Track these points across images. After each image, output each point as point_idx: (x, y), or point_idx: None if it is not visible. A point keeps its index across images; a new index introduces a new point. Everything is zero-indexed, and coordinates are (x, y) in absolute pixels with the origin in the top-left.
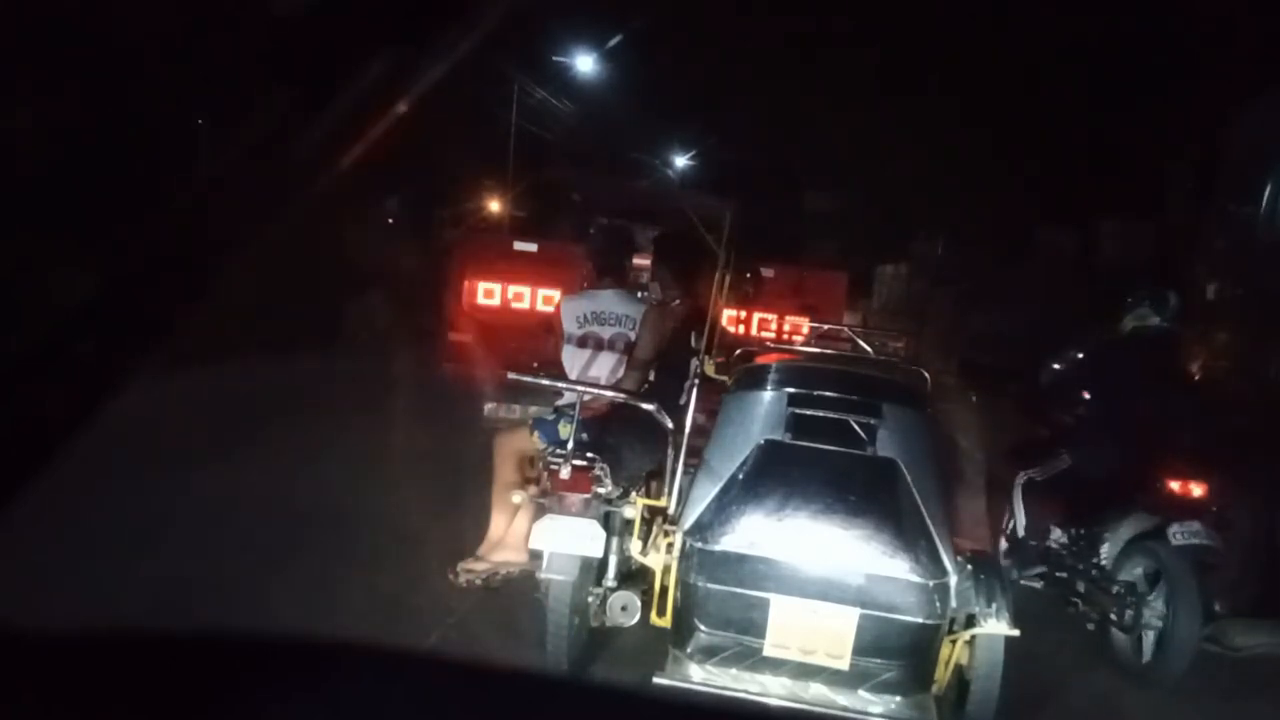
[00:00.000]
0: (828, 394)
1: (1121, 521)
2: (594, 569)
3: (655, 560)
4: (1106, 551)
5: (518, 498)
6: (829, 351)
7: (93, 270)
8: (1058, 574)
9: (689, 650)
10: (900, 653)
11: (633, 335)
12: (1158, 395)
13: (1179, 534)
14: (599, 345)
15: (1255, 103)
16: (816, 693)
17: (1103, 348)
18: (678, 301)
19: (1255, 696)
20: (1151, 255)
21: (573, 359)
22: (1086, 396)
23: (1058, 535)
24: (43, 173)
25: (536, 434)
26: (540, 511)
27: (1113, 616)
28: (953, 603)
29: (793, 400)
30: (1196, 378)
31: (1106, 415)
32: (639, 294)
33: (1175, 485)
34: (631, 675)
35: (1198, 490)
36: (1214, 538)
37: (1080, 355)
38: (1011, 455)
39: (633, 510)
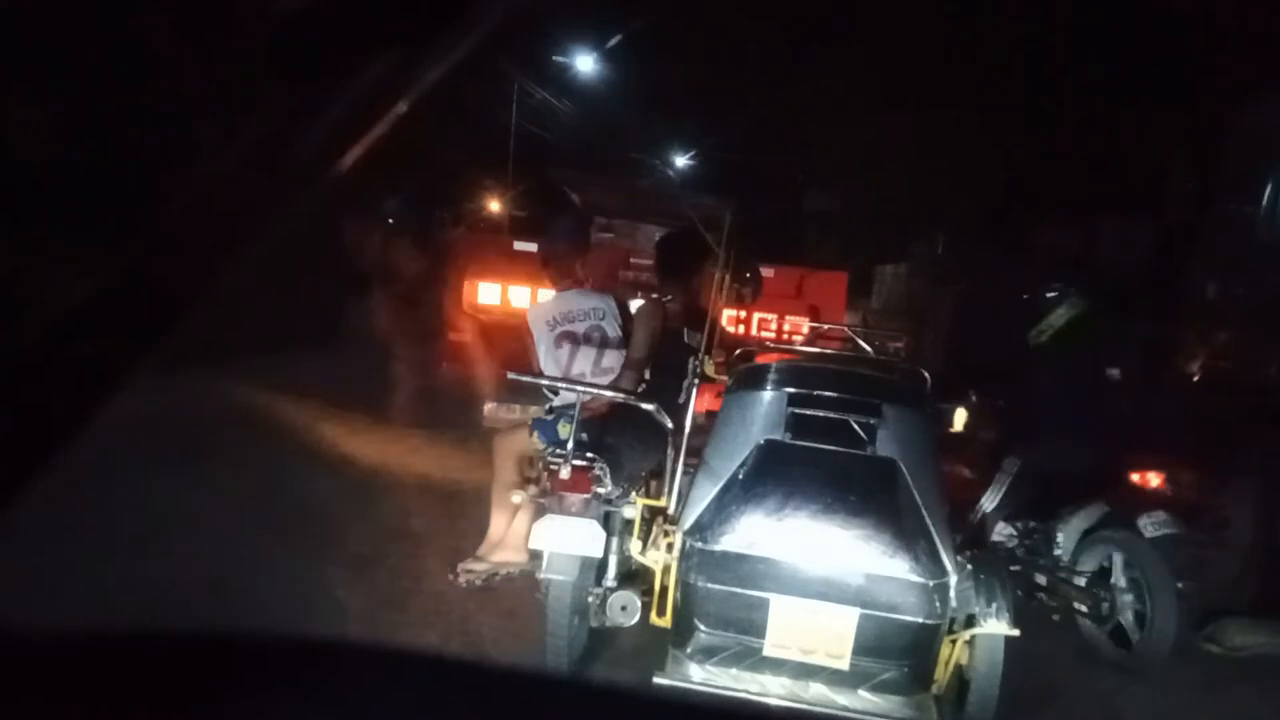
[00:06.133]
0: (828, 394)
1: (1075, 514)
2: (594, 569)
3: (655, 560)
4: (1063, 543)
5: (518, 498)
6: (829, 351)
7: (93, 270)
8: (1011, 568)
9: (689, 650)
10: (900, 653)
11: (605, 324)
12: (1104, 386)
13: (1150, 526)
14: (575, 341)
15: (1255, 102)
16: (816, 693)
17: (1046, 344)
18: (670, 298)
19: (1254, 696)
20: (1151, 255)
21: (552, 360)
22: (1034, 394)
23: (1004, 529)
24: (42, 172)
25: (536, 434)
26: (540, 511)
27: (1082, 608)
28: (953, 603)
29: (793, 400)
30: (1152, 362)
31: (1055, 410)
32: (636, 293)
33: (1135, 477)
34: (631, 675)
35: (1155, 480)
36: (1181, 525)
37: (1027, 351)
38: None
39: (633, 510)
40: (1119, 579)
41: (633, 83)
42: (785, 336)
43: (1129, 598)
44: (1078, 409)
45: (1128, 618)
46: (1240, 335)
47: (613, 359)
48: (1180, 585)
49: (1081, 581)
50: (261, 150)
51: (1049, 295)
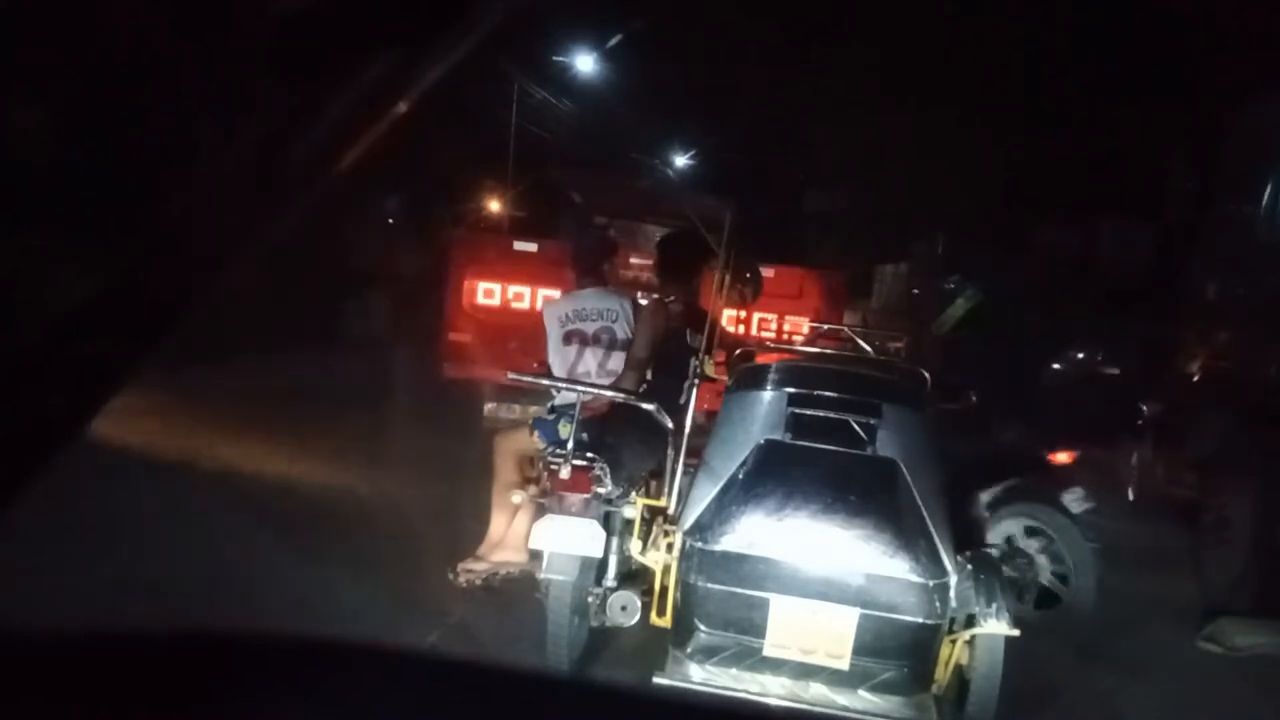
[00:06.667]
0: (828, 394)
1: (981, 490)
2: (594, 569)
3: (655, 560)
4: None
5: (518, 498)
6: (829, 351)
7: (93, 270)
8: None
9: (689, 650)
10: (900, 653)
11: (617, 327)
12: (1006, 371)
13: (1074, 501)
14: (583, 341)
15: (1255, 102)
16: (816, 693)
17: (948, 334)
18: (672, 299)
19: (1254, 696)
20: (1151, 255)
21: (559, 357)
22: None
23: None
24: (43, 172)
25: (536, 434)
26: (540, 511)
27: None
28: (953, 603)
29: (793, 400)
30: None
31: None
32: (637, 293)
33: (1056, 457)
34: (631, 675)
35: (1065, 457)
36: (1094, 499)
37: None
38: None
39: (633, 510)
40: (1033, 547)
41: (633, 82)
42: (785, 336)
43: (1046, 563)
44: (979, 394)
45: (1046, 581)
46: (1240, 335)
47: (619, 361)
48: (1095, 547)
49: (994, 553)
50: (261, 150)
51: (946, 287)
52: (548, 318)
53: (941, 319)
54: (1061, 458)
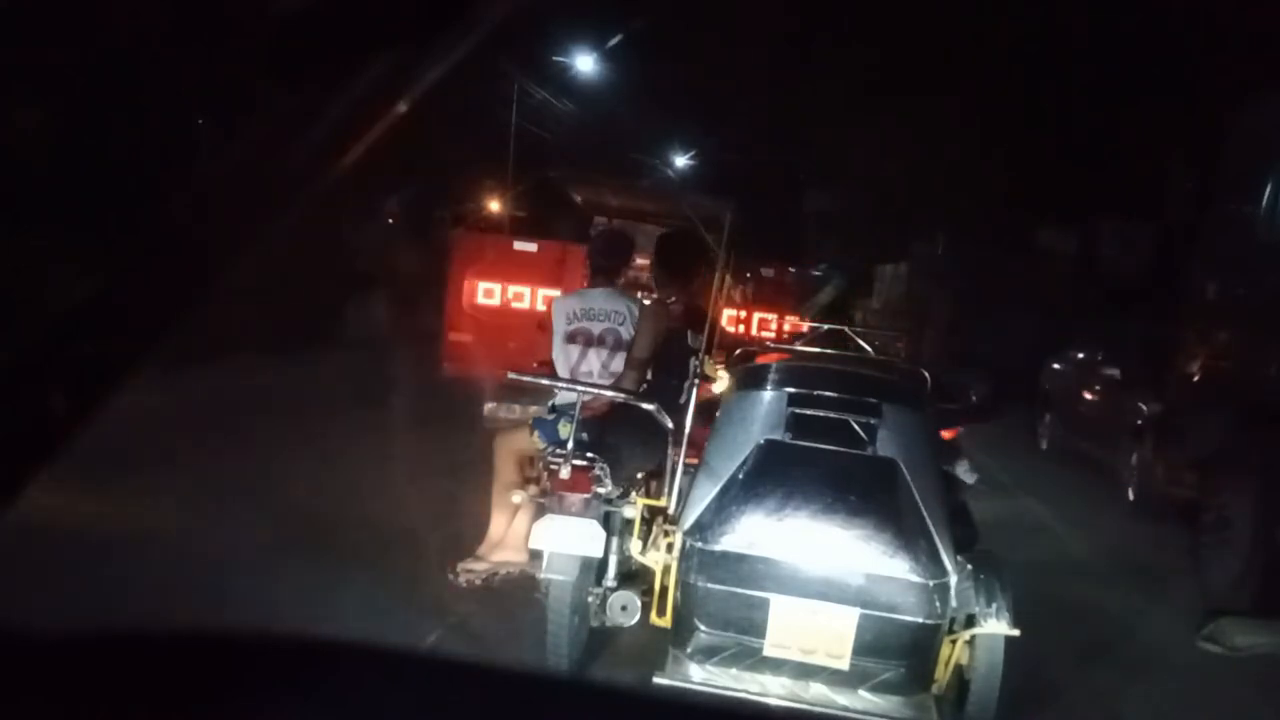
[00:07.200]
0: (828, 394)
1: None
2: (594, 569)
3: (655, 560)
4: None
5: (518, 498)
6: (829, 351)
7: (93, 270)
8: None
9: (689, 650)
10: (900, 653)
11: (622, 329)
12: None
13: (965, 473)
14: (588, 341)
15: (1255, 102)
16: (816, 693)
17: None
18: (673, 300)
19: (1254, 696)
20: (1151, 255)
21: (563, 356)
22: None
23: None
24: (43, 172)
25: (536, 434)
26: (540, 511)
27: None
28: (953, 603)
29: (793, 400)
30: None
31: None
32: (638, 294)
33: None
34: (631, 675)
35: (948, 434)
36: (979, 470)
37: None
38: None
39: (633, 510)
40: None
41: (633, 82)
42: (785, 336)
43: None
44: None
45: None
46: (1240, 335)
47: (621, 364)
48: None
49: None
50: (261, 150)
51: (815, 274)
52: (556, 313)
53: (809, 304)
54: (946, 434)
